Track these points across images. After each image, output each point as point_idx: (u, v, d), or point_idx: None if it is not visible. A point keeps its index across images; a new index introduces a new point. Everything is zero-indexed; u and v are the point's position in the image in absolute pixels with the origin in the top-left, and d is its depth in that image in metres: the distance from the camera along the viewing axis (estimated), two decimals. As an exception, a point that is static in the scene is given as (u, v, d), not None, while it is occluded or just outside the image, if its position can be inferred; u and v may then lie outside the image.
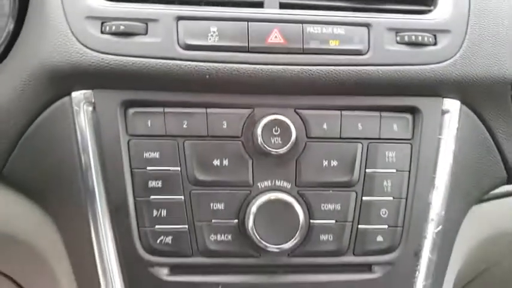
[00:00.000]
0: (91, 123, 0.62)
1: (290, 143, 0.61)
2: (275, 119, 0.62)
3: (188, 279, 0.63)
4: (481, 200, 0.75)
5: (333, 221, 0.64)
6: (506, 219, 0.78)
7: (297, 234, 0.61)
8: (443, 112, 0.67)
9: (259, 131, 0.61)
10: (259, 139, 0.61)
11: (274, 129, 0.61)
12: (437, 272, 0.68)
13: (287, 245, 0.61)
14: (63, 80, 0.61)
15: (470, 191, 0.71)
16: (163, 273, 0.63)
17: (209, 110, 0.63)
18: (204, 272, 0.63)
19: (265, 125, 0.61)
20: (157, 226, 0.62)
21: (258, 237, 0.61)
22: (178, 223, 0.62)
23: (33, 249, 0.70)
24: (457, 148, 0.67)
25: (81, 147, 0.62)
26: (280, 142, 0.61)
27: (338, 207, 0.64)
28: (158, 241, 0.62)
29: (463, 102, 0.67)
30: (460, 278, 0.79)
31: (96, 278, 0.64)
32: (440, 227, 0.67)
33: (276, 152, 0.62)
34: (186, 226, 0.62)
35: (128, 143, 0.62)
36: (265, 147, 0.61)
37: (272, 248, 0.61)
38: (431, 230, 0.67)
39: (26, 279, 0.82)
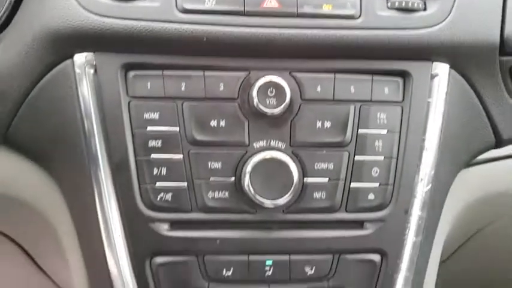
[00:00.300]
0: (92, 85, 0.64)
1: (284, 103, 0.64)
2: (270, 81, 0.64)
3: (187, 235, 0.66)
4: (469, 164, 0.77)
5: (326, 179, 0.66)
6: (496, 181, 0.81)
7: (290, 191, 0.64)
8: (433, 76, 0.69)
9: (254, 92, 0.64)
10: (255, 100, 0.63)
11: (269, 91, 0.64)
12: (428, 230, 0.71)
13: (281, 201, 0.64)
14: (65, 43, 0.63)
15: (459, 154, 0.73)
16: (164, 228, 0.65)
17: (206, 73, 0.65)
18: (202, 227, 0.66)
19: (261, 86, 0.64)
20: (157, 183, 0.64)
21: (253, 194, 0.63)
22: (177, 181, 0.65)
23: (36, 211, 0.72)
24: (446, 111, 0.69)
25: (83, 109, 0.65)
26: (275, 103, 0.64)
27: (331, 166, 0.66)
28: (158, 198, 0.65)
29: (452, 66, 0.69)
30: (452, 241, 0.81)
31: (98, 236, 0.66)
32: (429, 186, 0.69)
33: (271, 112, 0.64)
34: (185, 183, 0.65)
35: (129, 104, 0.64)
36: (260, 108, 0.64)
37: (267, 204, 0.64)
38: (421, 189, 0.69)
39: (28, 240, 0.84)
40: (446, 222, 0.76)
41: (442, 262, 0.80)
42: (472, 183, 0.78)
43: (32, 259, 0.92)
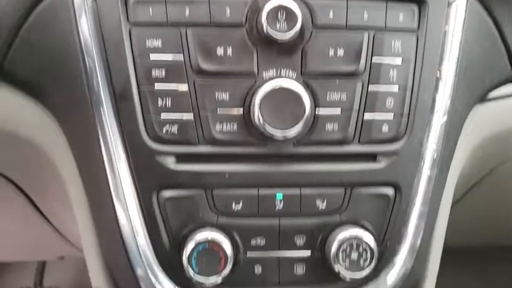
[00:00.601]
0: (91, 11, 0.61)
1: (296, 28, 0.60)
2: (280, 5, 0.60)
3: (195, 168, 0.63)
4: (484, 100, 0.75)
5: (339, 110, 0.63)
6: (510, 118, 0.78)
7: (302, 122, 0.61)
8: (450, 3, 0.65)
9: (263, 17, 0.59)
10: (264, 25, 0.60)
11: (279, 15, 0.60)
12: (442, 165, 0.68)
13: (292, 132, 0.61)
14: None
15: (475, 86, 0.71)
16: (170, 161, 0.63)
17: None
18: (210, 160, 0.63)
19: (270, 10, 0.59)
20: (162, 115, 0.62)
21: (263, 125, 0.60)
22: (183, 112, 0.62)
23: (38, 149, 0.70)
24: (463, 40, 0.66)
25: (82, 37, 0.61)
26: (285, 28, 0.60)
27: (344, 96, 0.63)
28: (164, 130, 0.62)
29: None
30: (466, 179, 0.79)
31: (102, 172, 0.64)
32: (445, 118, 0.67)
33: (281, 38, 0.60)
34: (191, 115, 0.62)
35: (130, 31, 0.61)
36: (270, 33, 0.60)
37: (277, 135, 0.61)
38: (437, 121, 0.67)
39: (29, 182, 0.82)
40: (460, 159, 0.73)
41: (455, 202, 0.78)
42: (486, 120, 0.76)
43: (32, 203, 0.90)
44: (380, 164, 0.65)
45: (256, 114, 0.60)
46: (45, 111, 0.67)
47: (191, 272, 0.62)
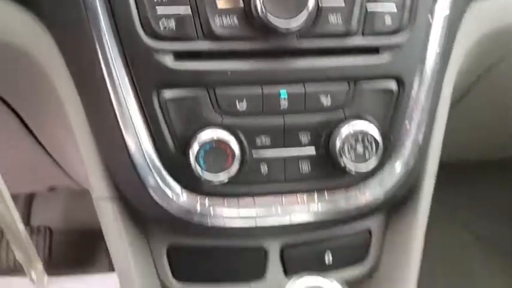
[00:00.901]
0: None
1: None
2: None
3: (195, 66, 0.61)
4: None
5: (342, 1, 0.61)
6: (509, 14, 0.77)
7: (305, 10, 0.58)
8: None
9: None
10: None
11: None
12: (444, 58, 0.68)
13: (296, 23, 0.58)
14: None
15: None
16: (169, 59, 0.60)
17: None
18: (211, 58, 0.61)
19: None
20: (158, 9, 0.58)
21: (265, 16, 0.57)
22: (180, 5, 0.59)
23: (33, 62, 0.65)
24: None
25: None
26: None
27: None
28: (161, 25, 0.59)
29: None
30: (464, 77, 0.79)
31: (99, 76, 0.61)
32: (447, 10, 0.66)
33: None
34: (189, 8, 0.59)
35: None
36: None
37: (280, 27, 0.58)
38: (439, 13, 0.65)
39: (24, 101, 0.79)
40: (459, 55, 0.73)
41: (454, 104, 0.78)
42: (485, 16, 0.75)
43: (26, 126, 0.87)
44: (383, 57, 0.64)
45: (259, 4, 0.58)
46: (38, 22, 0.63)
47: (199, 170, 0.61)
